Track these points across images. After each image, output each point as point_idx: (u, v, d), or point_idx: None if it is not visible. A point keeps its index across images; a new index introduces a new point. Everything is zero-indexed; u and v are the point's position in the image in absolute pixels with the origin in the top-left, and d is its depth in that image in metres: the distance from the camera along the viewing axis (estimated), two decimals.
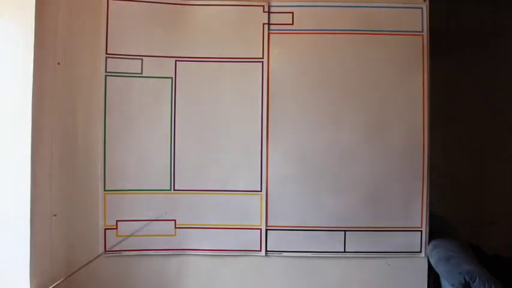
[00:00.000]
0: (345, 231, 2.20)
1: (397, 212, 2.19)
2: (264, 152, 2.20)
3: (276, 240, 2.21)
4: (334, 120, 2.20)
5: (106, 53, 2.15)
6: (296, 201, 2.20)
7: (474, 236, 2.90)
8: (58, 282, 1.94)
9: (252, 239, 2.20)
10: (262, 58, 2.20)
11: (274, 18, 2.21)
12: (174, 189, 2.19)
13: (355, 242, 2.20)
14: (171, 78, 2.19)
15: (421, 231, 2.19)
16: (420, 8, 2.20)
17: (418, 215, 2.18)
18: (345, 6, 2.20)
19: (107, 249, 2.17)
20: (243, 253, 2.22)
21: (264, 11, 2.21)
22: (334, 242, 2.20)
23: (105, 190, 2.16)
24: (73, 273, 1.68)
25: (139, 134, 2.18)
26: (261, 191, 2.20)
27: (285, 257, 2.22)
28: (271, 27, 2.20)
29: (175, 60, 2.19)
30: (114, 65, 2.16)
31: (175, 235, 2.20)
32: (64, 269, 2.15)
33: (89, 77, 2.17)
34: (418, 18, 2.20)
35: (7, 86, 1.97)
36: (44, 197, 2.08)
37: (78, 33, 2.17)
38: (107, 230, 2.17)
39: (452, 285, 1.83)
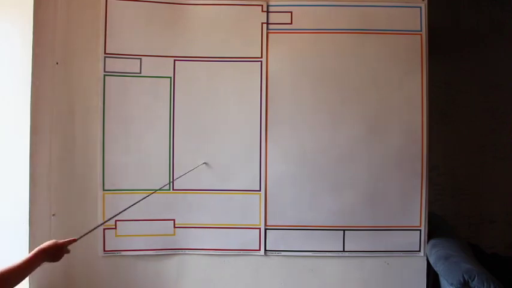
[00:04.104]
0: (344, 230, 2.20)
1: (396, 211, 2.19)
2: (263, 151, 2.20)
3: (275, 240, 2.21)
4: (333, 120, 2.20)
5: (105, 53, 2.15)
6: (295, 200, 2.20)
7: (473, 235, 2.90)
8: None
9: (251, 238, 2.20)
10: (261, 57, 2.20)
11: (273, 18, 2.21)
12: (173, 189, 2.19)
13: (354, 241, 2.20)
14: (170, 77, 2.19)
15: (420, 230, 2.19)
16: (419, 7, 2.20)
17: (417, 214, 2.19)
18: (343, 6, 2.20)
19: (105, 249, 2.17)
20: (242, 252, 2.22)
21: (262, 11, 2.20)
22: (333, 241, 2.20)
23: (103, 190, 2.16)
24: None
25: (138, 133, 2.18)
26: (260, 190, 2.20)
27: (284, 256, 2.22)
28: (270, 26, 2.20)
29: (174, 60, 2.19)
30: (112, 64, 2.16)
31: (174, 235, 2.20)
32: (63, 269, 2.15)
33: (88, 77, 2.17)
34: (416, 17, 2.20)
35: (6, 86, 1.97)
36: (43, 197, 2.08)
37: (76, 33, 2.17)
38: (105, 230, 2.16)
39: (452, 284, 1.83)
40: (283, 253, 2.22)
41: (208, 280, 2.23)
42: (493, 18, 3.01)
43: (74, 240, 1.55)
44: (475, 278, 1.77)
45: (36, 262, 1.41)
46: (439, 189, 2.88)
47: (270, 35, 2.20)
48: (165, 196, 2.18)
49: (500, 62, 2.99)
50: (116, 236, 2.17)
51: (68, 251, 1.53)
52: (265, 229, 2.21)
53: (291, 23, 2.21)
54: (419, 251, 2.20)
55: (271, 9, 2.20)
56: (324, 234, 2.20)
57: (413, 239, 2.19)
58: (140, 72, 2.18)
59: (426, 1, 2.20)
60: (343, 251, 2.21)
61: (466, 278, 1.78)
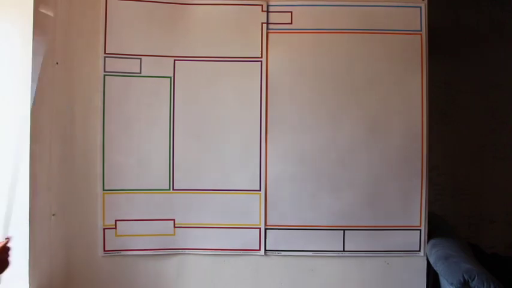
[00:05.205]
0: (344, 230, 2.20)
1: (396, 211, 2.19)
2: (263, 151, 2.20)
3: (275, 240, 2.21)
4: (333, 120, 2.20)
5: (104, 53, 2.15)
6: (295, 200, 2.20)
7: (473, 234, 2.90)
8: None
9: (251, 238, 2.20)
10: (261, 57, 2.20)
11: (273, 18, 2.21)
12: (173, 189, 2.19)
13: (354, 241, 2.20)
14: (170, 77, 2.19)
15: (420, 230, 2.19)
16: (419, 7, 2.20)
17: (417, 214, 2.19)
18: (343, 5, 2.20)
19: (105, 249, 2.17)
20: (242, 252, 2.22)
21: (262, 10, 2.20)
22: (333, 241, 2.20)
23: (104, 190, 2.16)
24: None
25: (138, 133, 2.18)
26: (260, 190, 2.20)
27: (284, 256, 2.22)
28: (270, 26, 2.20)
29: (174, 60, 2.19)
30: (112, 64, 2.16)
31: (174, 234, 2.20)
32: (63, 269, 2.16)
33: (88, 77, 2.17)
34: (416, 17, 2.20)
35: (5, 86, 1.97)
36: (43, 197, 2.08)
37: (76, 33, 2.16)
38: (105, 230, 2.16)
39: (451, 284, 1.83)
40: (283, 253, 2.22)
41: (208, 280, 2.23)
42: (493, 18, 3.00)
43: (8, 240, 1.54)
44: (475, 277, 1.77)
45: None
46: (439, 189, 2.88)
47: (270, 34, 2.20)
48: (165, 196, 2.19)
49: (500, 62, 2.99)
50: (116, 236, 2.17)
51: (8, 248, 1.52)
52: (265, 229, 2.21)
53: (291, 23, 2.21)
54: (419, 250, 2.19)
55: (271, 9, 2.20)
56: (324, 234, 2.20)
57: (413, 239, 2.19)
58: (140, 72, 2.18)
59: (426, 1, 2.20)
60: (343, 250, 2.21)
61: (466, 278, 1.78)
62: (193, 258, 2.22)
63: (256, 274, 2.23)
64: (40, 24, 2.00)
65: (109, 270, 2.19)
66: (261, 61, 2.20)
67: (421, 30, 2.19)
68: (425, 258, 2.19)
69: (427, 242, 2.19)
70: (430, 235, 2.20)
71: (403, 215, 2.19)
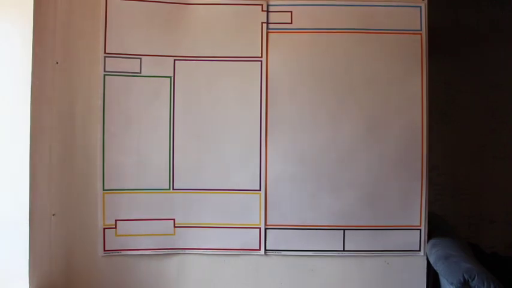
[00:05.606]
0: (344, 230, 2.20)
1: (396, 210, 2.19)
2: (263, 150, 2.20)
3: (275, 239, 2.21)
4: (333, 119, 2.20)
5: (105, 52, 2.15)
6: (295, 200, 2.20)
7: (473, 235, 2.90)
8: None
9: (251, 238, 2.20)
10: (261, 57, 2.20)
11: (273, 17, 2.21)
12: (173, 189, 2.19)
13: (354, 240, 2.20)
14: (170, 77, 2.19)
15: (420, 229, 2.19)
16: (419, 6, 2.20)
17: (417, 214, 2.19)
18: (343, 5, 2.20)
19: (105, 248, 2.17)
20: (242, 252, 2.22)
21: (262, 10, 2.21)
22: (333, 240, 2.20)
23: (104, 190, 2.16)
24: None
25: (138, 133, 2.18)
26: (260, 190, 2.20)
27: (284, 256, 2.22)
28: (270, 26, 2.20)
29: (174, 60, 2.19)
30: (112, 64, 2.16)
31: (174, 234, 2.20)
32: (63, 269, 2.16)
33: (88, 77, 2.17)
34: (416, 17, 2.20)
35: (5, 85, 1.97)
36: (43, 197, 2.08)
37: (76, 33, 2.16)
38: (106, 230, 2.16)
39: (451, 283, 1.83)
40: (283, 253, 2.22)
41: (208, 280, 2.23)
42: (493, 18, 3.01)
43: None
44: (475, 277, 1.77)
45: None
46: (439, 189, 2.88)
47: (270, 34, 2.20)
48: (165, 196, 2.19)
49: (500, 62, 2.99)
50: (116, 235, 2.17)
51: None
52: (265, 229, 2.21)
53: (291, 23, 2.20)
54: (420, 250, 2.19)
55: (271, 8, 2.20)
56: (324, 233, 2.20)
57: (413, 239, 2.19)
58: (140, 72, 2.18)
59: (426, 1, 2.20)
60: (343, 250, 2.21)
61: (466, 278, 1.78)
62: (194, 258, 2.22)
63: (256, 274, 2.23)
64: (40, 25, 2.00)
65: (109, 270, 2.19)
66: (261, 61, 2.20)
67: (421, 30, 2.20)
68: (425, 258, 2.19)
69: (427, 242, 2.19)
70: (430, 235, 2.20)
71: (403, 215, 2.19)
